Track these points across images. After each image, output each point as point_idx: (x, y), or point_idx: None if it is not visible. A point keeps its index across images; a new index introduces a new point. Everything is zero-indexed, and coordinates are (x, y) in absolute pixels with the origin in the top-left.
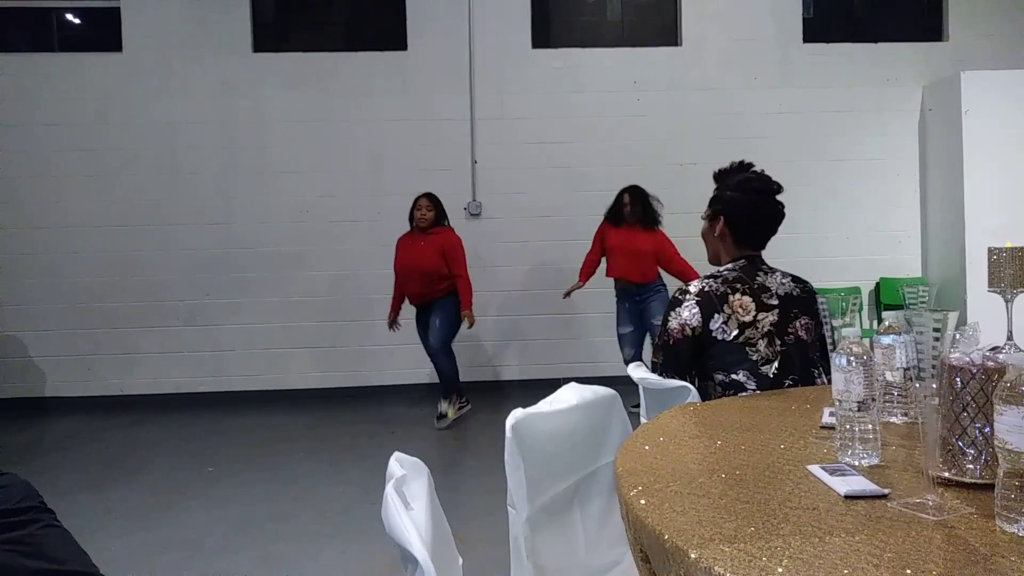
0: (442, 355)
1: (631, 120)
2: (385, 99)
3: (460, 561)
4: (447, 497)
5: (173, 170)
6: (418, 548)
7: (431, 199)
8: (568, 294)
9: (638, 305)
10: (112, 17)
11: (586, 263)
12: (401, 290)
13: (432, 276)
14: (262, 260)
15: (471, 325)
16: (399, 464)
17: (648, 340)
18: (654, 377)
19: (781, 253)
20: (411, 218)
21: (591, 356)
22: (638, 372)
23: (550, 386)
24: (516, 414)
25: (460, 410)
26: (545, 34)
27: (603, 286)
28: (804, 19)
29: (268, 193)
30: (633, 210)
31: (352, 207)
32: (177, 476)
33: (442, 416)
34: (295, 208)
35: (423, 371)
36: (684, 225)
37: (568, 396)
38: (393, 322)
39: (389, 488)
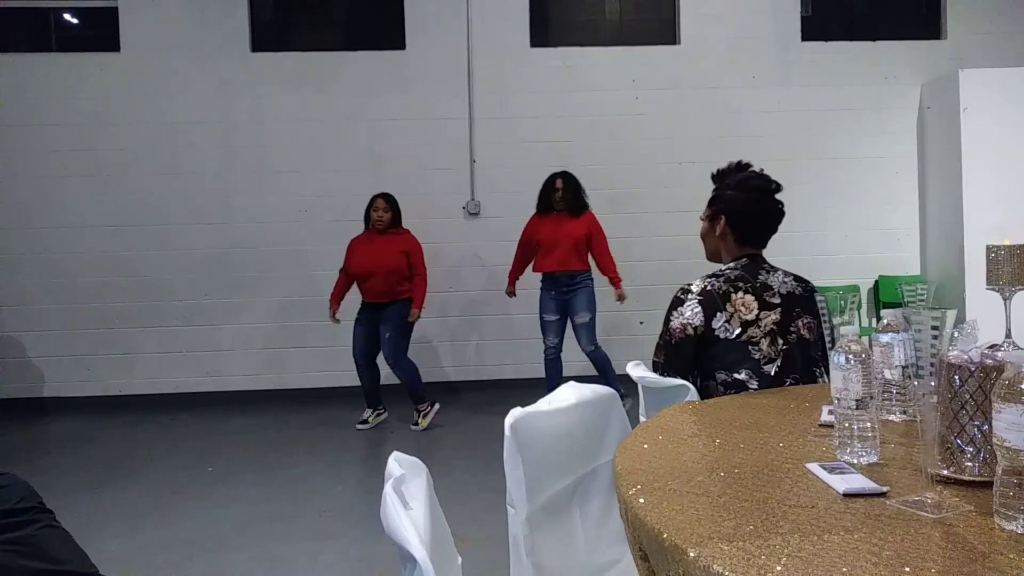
0: (399, 367)
1: (630, 119)
2: (384, 98)
3: (459, 560)
4: (446, 496)
5: (172, 170)
6: (417, 547)
7: (387, 199)
8: (513, 294)
9: (564, 295)
10: (110, 17)
11: (516, 265)
12: (361, 287)
13: (395, 274)
14: (261, 260)
15: (414, 320)
16: (398, 463)
17: (570, 328)
18: (653, 376)
19: (780, 251)
20: (367, 219)
21: None
22: (637, 371)
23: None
24: (515, 413)
25: (425, 417)
26: (544, 33)
27: (603, 284)
28: (802, 17)
29: (267, 193)
30: (564, 196)
31: (351, 206)
32: (176, 476)
33: (415, 423)
34: (294, 208)
35: (423, 371)
36: (682, 224)
37: (567, 395)
38: (335, 314)
39: (388, 488)
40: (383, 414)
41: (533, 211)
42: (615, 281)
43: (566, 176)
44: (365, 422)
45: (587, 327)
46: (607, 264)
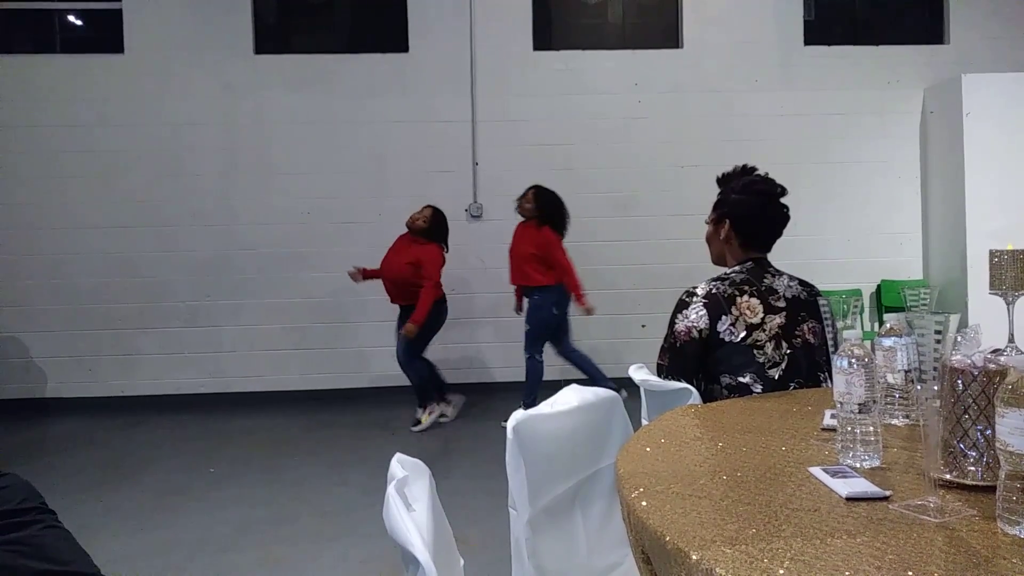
0: (407, 367)
1: (632, 122)
2: (386, 101)
3: (461, 562)
4: (448, 498)
5: (175, 172)
6: (420, 549)
7: (435, 213)
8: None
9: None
10: (114, 19)
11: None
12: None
13: (399, 283)
14: (263, 261)
15: (408, 336)
16: (400, 465)
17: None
18: (655, 379)
19: (782, 255)
20: None
21: (592, 357)
22: (639, 374)
23: (552, 388)
24: (518, 415)
25: (431, 415)
26: (546, 36)
27: (606, 287)
28: (805, 21)
29: (269, 195)
30: (524, 207)
31: (353, 209)
32: (178, 477)
33: (417, 422)
34: (296, 210)
35: None
36: (685, 227)
37: (569, 398)
38: (360, 274)
39: (391, 489)
40: (436, 412)
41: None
42: (577, 296)
43: (538, 190)
44: (418, 422)
45: (525, 335)
46: (564, 279)
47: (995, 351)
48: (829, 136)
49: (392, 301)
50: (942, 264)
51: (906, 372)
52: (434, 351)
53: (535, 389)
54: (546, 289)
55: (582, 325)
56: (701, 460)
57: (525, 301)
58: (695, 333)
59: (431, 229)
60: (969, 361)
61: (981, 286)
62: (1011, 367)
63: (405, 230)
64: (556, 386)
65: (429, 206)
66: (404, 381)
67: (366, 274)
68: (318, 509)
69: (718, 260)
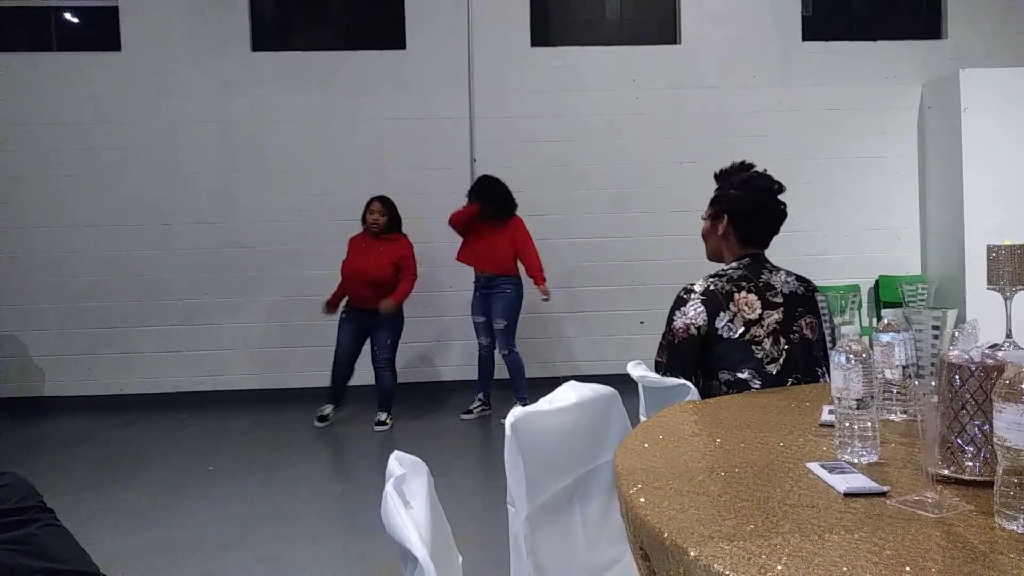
0: (388, 371)
1: (630, 118)
2: (384, 98)
3: (460, 559)
4: (446, 495)
5: (172, 169)
6: (418, 546)
7: (384, 203)
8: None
9: (486, 297)
10: (111, 16)
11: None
12: (347, 291)
13: (382, 285)
14: (261, 259)
15: (385, 310)
16: (398, 463)
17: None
18: (653, 375)
19: (780, 251)
20: (363, 220)
21: (590, 354)
22: (637, 370)
23: (549, 384)
24: (516, 412)
25: (385, 424)
26: (544, 32)
27: (604, 284)
28: (803, 17)
29: (267, 192)
30: (379, 220)
31: (351, 206)
32: (176, 476)
33: (381, 423)
34: (294, 207)
35: (422, 370)
36: (683, 223)
37: (567, 394)
38: (331, 307)
39: (389, 487)
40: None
41: (533, 210)
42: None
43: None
44: (383, 423)
45: (501, 331)
46: (534, 266)
47: (992, 346)
48: (827, 132)
49: (355, 303)
50: (940, 260)
51: (904, 368)
52: (432, 349)
53: (524, 381)
54: (518, 280)
55: (580, 321)
56: (699, 456)
57: (493, 298)
58: (693, 330)
59: (392, 221)
60: (967, 356)
61: (979, 281)
62: (1008, 362)
63: (364, 236)
64: (555, 382)
65: (375, 199)
66: (401, 379)
67: (333, 302)
68: (316, 507)
69: (714, 256)
